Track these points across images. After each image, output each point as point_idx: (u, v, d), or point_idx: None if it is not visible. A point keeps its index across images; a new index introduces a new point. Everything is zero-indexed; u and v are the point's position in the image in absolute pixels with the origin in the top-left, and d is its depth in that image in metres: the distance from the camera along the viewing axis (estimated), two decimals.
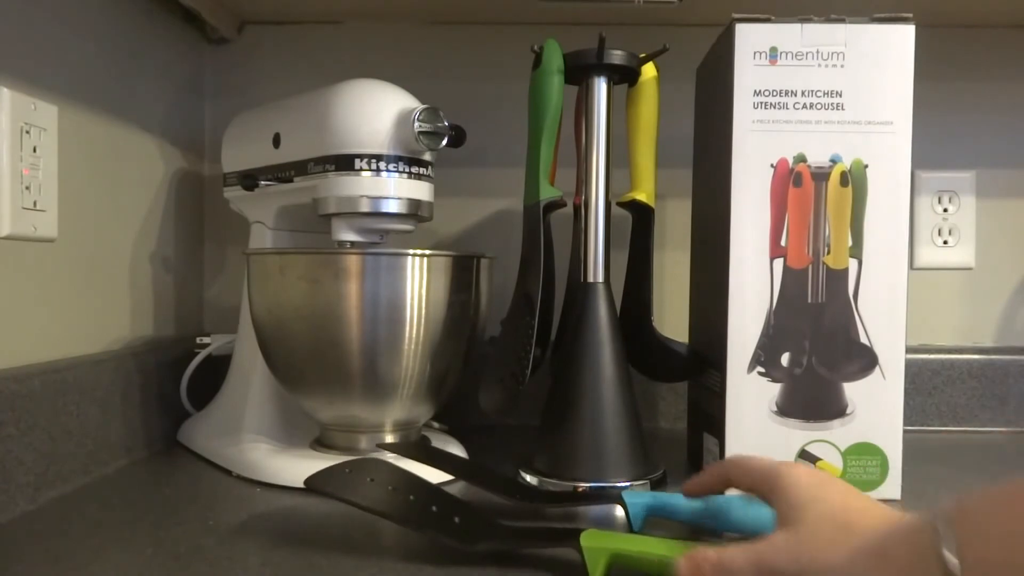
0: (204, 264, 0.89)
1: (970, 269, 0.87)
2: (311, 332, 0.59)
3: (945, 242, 0.87)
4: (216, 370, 0.76)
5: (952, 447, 0.77)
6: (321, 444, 0.65)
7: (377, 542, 0.48)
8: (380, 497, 0.45)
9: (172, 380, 0.75)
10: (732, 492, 0.46)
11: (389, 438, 0.63)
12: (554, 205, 0.63)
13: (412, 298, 0.59)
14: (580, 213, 0.64)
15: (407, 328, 0.59)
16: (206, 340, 0.77)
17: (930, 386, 0.85)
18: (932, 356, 0.85)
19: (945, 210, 0.87)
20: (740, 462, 0.44)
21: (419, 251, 0.59)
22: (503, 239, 0.86)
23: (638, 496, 0.50)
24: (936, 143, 0.87)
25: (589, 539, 0.43)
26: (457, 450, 0.67)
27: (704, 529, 0.50)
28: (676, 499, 0.50)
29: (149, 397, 0.71)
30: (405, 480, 0.47)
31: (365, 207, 0.61)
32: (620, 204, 0.65)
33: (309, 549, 0.47)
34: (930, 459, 0.72)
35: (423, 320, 0.59)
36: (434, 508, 0.45)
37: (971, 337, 0.87)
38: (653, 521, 0.50)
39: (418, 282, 0.59)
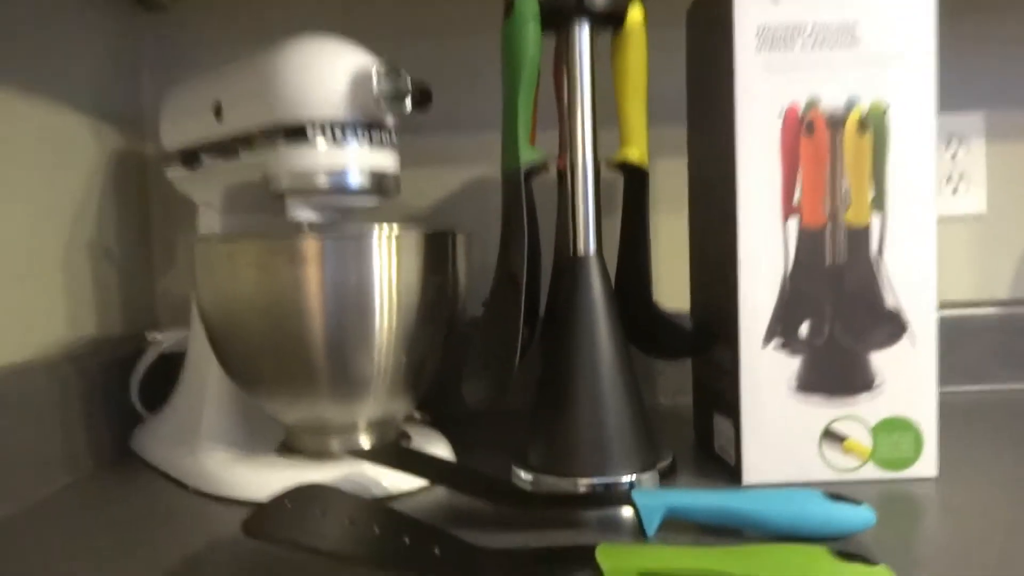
0: (153, 253, 0.81)
1: (981, 217, 0.81)
2: (267, 326, 0.52)
3: (954, 190, 0.81)
4: (175, 370, 0.69)
5: (972, 408, 0.72)
6: (288, 449, 0.58)
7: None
8: (339, 535, 0.38)
9: (121, 383, 0.68)
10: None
11: (364, 438, 0.56)
12: (536, 169, 0.56)
13: (380, 282, 0.52)
14: (565, 178, 0.57)
15: (376, 316, 0.52)
16: (158, 337, 0.70)
17: (943, 344, 0.78)
18: (944, 312, 0.79)
19: (953, 156, 0.81)
20: None
21: (386, 228, 0.52)
22: (480, 212, 0.79)
23: (651, 496, 0.44)
24: (941, 82, 0.80)
25: (608, 557, 0.36)
26: (441, 447, 0.60)
27: (726, 530, 0.44)
28: (694, 497, 0.44)
29: (93, 405, 0.63)
30: (364, 509, 0.39)
31: (322, 182, 0.53)
32: (610, 165, 0.58)
33: None
34: (954, 424, 0.66)
35: (394, 306, 0.52)
36: (407, 540, 0.38)
37: (985, 289, 0.82)
38: (666, 523, 0.44)
39: (386, 264, 0.52)
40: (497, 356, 0.53)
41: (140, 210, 0.79)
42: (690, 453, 0.61)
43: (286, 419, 0.57)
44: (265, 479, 0.53)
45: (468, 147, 0.80)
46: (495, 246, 0.56)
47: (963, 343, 0.79)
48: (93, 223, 0.69)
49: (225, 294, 0.53)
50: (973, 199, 0.81)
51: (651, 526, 0.43)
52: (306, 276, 0.51)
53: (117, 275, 0.73)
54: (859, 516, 0.42)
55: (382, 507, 0.41)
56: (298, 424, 0.57)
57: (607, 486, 0.52)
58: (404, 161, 0.58)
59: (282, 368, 0.53)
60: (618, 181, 0.60)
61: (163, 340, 0.70)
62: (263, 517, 0.38)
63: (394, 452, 0.54)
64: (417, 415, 0.67)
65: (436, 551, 0.38)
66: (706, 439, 0.60)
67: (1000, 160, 0.81)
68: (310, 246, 0.51)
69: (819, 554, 0.35)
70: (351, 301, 0.51)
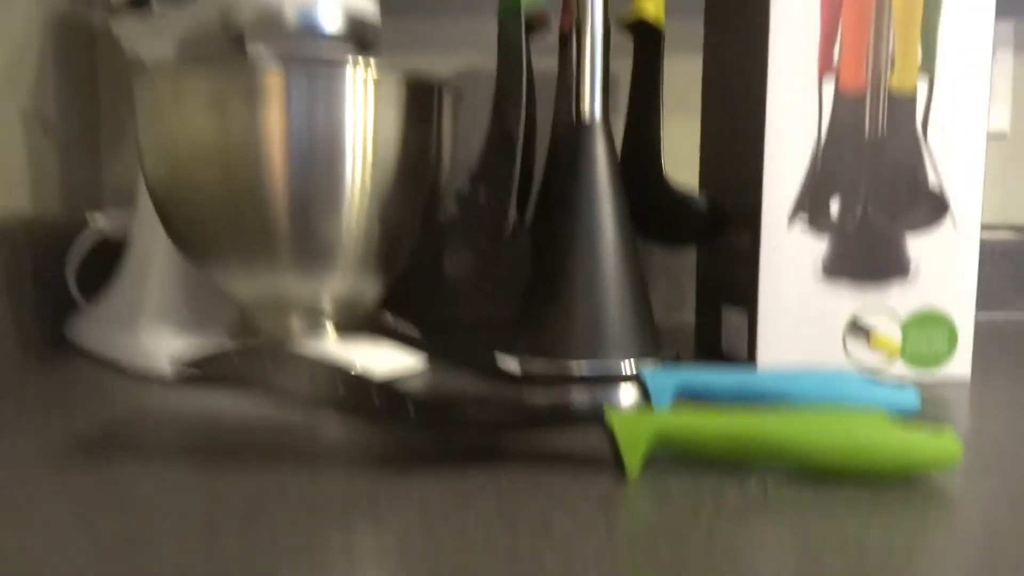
0: (101, 135, 0.73)
1: (1004, 136, 0.76)
2: (219, 180, 0.45)
3: None
4: (120, 259, 0.61)
5: (989, 336, 0.67)
6: (243, 331, 0.51)
7: (312, 444, 0.35)
8: (296, 390, 0.31)
9: (57, 268, 0.60)
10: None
11: (328, 318, 0.50)
12: (535, 24, 0.49)
13: (353, 130, 0.44)
14: (569, 40, 0.50)
15: (347, 171, 0.45)
16: (99, 218, 0.62)
17: None
18: None
19: None
20: None
21: (361, 66, 0.45)
22: (469, 103, 0.72)
23: (661, 373, 0.38)
24: None
25: (620, 420, 0.30)
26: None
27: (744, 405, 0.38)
28: (712, 374, 0.38)
29: (22, 289, 0.56)
30: (322, 367, 0.33)
31: (289, 17, 0.46)
32: (621, 24, 0.52)
33: (221, 455, 0.34)
34: (978, 346, 0.61)
35: (368, 161, 0.45)
36: (376, 399, 0.32)
37: (1004, 213, 0.77)
38: (676, 406, 0.38)
39: (361, 108, 0.45)
40: (486, 225, 0.46)
41: (86, 86, 0.70)
42: (690, 358, 0.55)
43: (241, 294, 0.49)
44: None
45: (457, 32, 0.72)
46: (483, 124, 0.49)
47: (979, 268, 0.74)
48: (29, 92, 0.61)
49: (171, 140, 0.46)
50: (996, 115, 0.75)
51: (662, 405, 0.37)
52: (265, 117, 0.43)
53: (57, 152, 0.65)
54: (904, 398, 0.36)
55: (341, 368, 0.34)
56: (254, 301, 0.50)
57: (604, 369, 0.45)
58: (387, 45, 0.51)
59: (236, 231, 0.46)
60: (622, 51, 0.53)
61: (105, 222, 0.62)
62: (202, 360, 0.31)
63: (369, 324, 0.47)
64: (388, 317, 0.60)
65: (411, 411, 0.31)
66: (710, 343, 0.54)
67: None
68: (272, 80, 0.43)
69: (877, 418, 0.29)
70: (318, 150, 0.44)
